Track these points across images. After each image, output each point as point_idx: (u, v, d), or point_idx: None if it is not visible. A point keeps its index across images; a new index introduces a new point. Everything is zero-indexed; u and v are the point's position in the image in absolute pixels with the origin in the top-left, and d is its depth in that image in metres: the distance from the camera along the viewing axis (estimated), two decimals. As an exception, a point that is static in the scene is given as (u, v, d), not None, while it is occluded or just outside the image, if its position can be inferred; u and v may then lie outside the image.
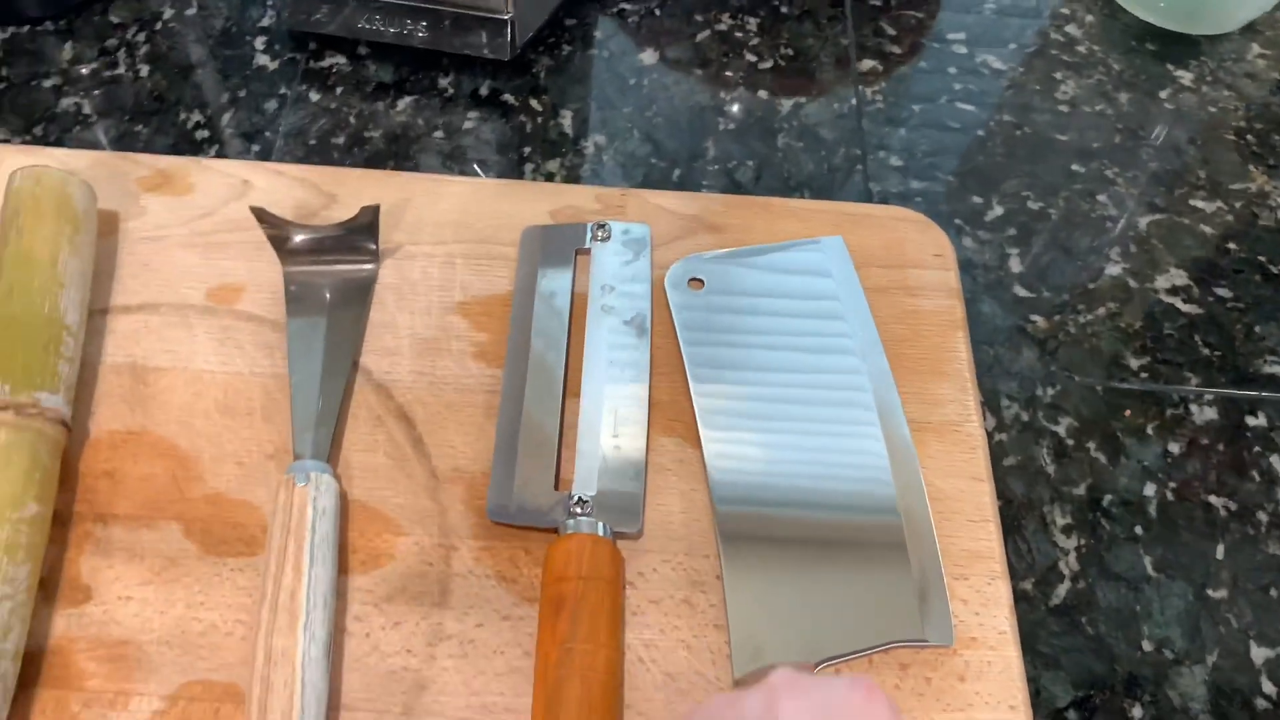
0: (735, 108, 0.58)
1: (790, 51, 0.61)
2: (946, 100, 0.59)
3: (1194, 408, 0.47)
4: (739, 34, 0.62)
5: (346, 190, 0.49)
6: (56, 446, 0.39)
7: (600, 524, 0.38)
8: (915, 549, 0.39)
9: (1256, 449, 0.46)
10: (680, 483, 0.41)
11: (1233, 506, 0.44)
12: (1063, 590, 0.42)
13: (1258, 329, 0.50)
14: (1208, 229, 0.54)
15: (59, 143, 0.55)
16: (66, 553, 0.39)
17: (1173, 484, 0.45)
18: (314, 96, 0.58)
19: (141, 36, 0.60)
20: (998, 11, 0.64)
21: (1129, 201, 0.55)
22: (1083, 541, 0.43)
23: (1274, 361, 0.49)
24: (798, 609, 0.38)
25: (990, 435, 0.46)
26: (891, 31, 0.62)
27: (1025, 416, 0.47)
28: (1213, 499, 0.44)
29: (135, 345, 0.44)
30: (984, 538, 0.40)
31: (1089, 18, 0.64)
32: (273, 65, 0.59)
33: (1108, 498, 0.45)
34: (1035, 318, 0.50)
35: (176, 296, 0.46)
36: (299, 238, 0.46)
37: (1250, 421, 0.47)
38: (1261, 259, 0.53)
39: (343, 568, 0.39)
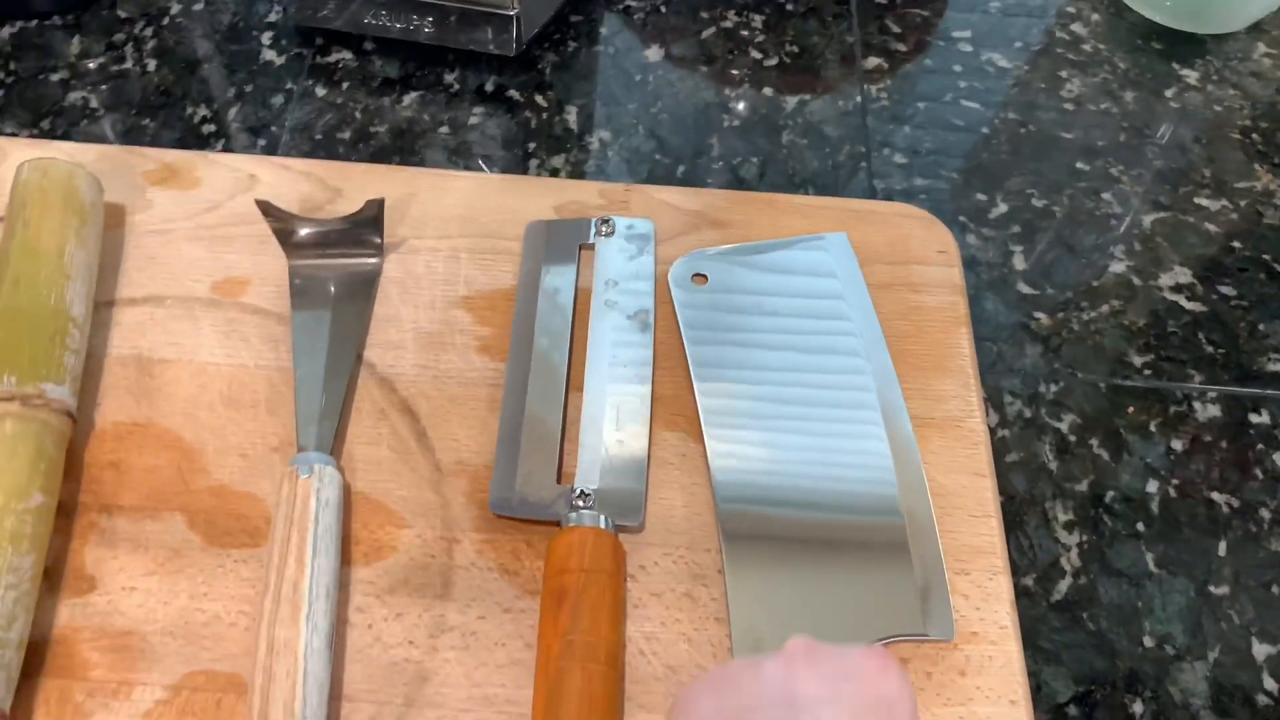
0: (740, 104, 0.58)
1: (795, 49, 0.61)
2: (951, 98, 0.59)
3: (1197, 405, 0.47)
4: (744, 31, 0.62)
5: (352, 185, 0.49)
6: (62, 437, 0.39)
7: (602, 517, 0.38)
8: (917, 544, 0.39)
9: (1260, 446, 0.46)
10: (682, 477, 0.41)
11: (1235, 503, 0.44)
12: (1064, 586, 0.42)
13: (1262, 327, 0.50)
14: (1212, 227, 0.54)
15: (66, 136, 0.55)
16: (71, 543, 0.39)
17: (1175, 481, 0.45)
18: (320, 91, 0.58)
19: (149, 31, 0.60)
20: (1003, 10, 0.64)
21: (1134, 199, 0.55)
22: (1084, 538, 0.43)
23: (1278, 359, 0.49)
24: (799, 603, 0.38)
25: (993, 431, 0.46)
26: (897, 29, 0.62)
27: (1028, 413, 0.47)
28: (1215, 496, 0.44)
29: (141, 337, 0.44)
30: (986, 533, 0.40)
31: (1095, 16, 0.64)
32: (279, 60, 0.59)
33: (1110, 494, 0.45)
34: (1039, 315, 0.50)
35: (182, 289, 0.46)
36: (304, 231, 0.46)
37: (1254, 419, 0.47)
38: (1266, 257, 0.53)
39: (345, 559, 0.39)
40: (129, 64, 0.59)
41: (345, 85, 0.58)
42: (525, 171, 0.55)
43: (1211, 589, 0.42)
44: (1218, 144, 0.58)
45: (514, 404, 0.42)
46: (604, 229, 0.48)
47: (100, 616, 0.38)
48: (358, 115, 0.57)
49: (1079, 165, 0.56)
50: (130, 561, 0.39)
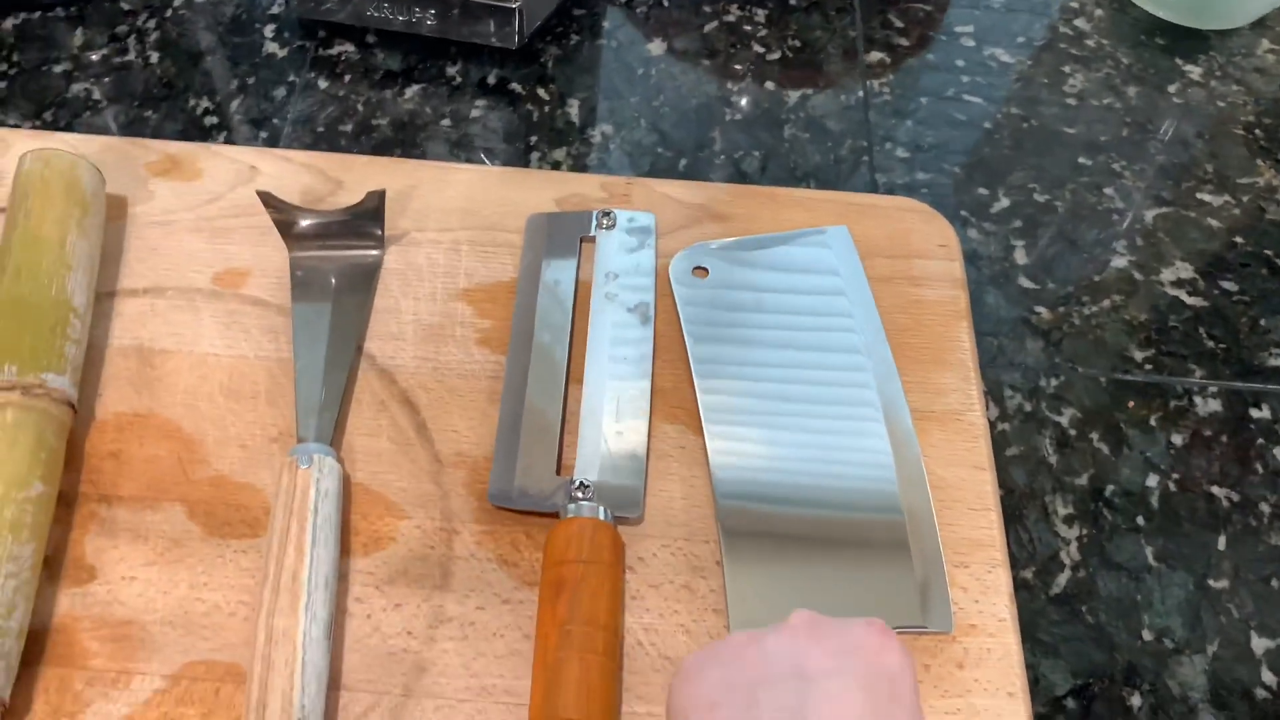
0: (742, 99, 0.58)
1: (798, 43, 0.61)
2: (954, 93, 0.59)
3: (1198, 400, 0.47)
4: (747, 25, 0.62)
5: (353, 177, 0.49)
6: (62, 427, 0.39)
7: (601, 509, 0.38)
8: (916, 538, 0.39)
9: (1260, 441, 0.46)
10: (681, 469, 0.41)
11: (1235, 498, 0.44)
12: (1063, 579, 0.42)
13: (1263, 322, 0.50)
14: (1214, 222, 0.54)
15: (69, 128, 0.55)
16: (71, 533, 0.39)
17: (1175, 475, 0.45)
18: (322, 84, 0.58)
19: (152, 23, 0.60)
20: (1006, 5, 0.64)
21: (1136, 195, 0.55)
22: (1084, 531, 0.43)
23: (1279, 354, 0.49)
24: (797, 595, 0.38)
25: (993, 425, 0.46)
26: (900, 24, 0.62)
27: (1028, 407, 0.47)
28: (1215, 490, 0.44)
29: (142, 328, 0.45)
30: (985, 526, 0.40)
31: (1098, 11, 0.63)
32: (282, 53, 0.59)
33: (1110, 488, 0.44)
34: (1040, 309, 0.50)
35: (183, 280, 0.46)
36: (305, 222, 0.46)
37: (1254, 414, 0.47)
38: (1268, 253, 0.53)
39: (345, 550, 0.39)
40: (131, 56, 0.59)
41: (347, 78, 0.58)
42: (527, 165, 0.55)
43: (1211, 583, 0.42)
44: (1220, 139, 0.58)
45: (514, 396, 0.42)
46: (605, 222, 0.48)
47: (100, 606, 0.38)
48: (360, 108, 0.57)
49: (1081, 160, 0.56)
50: (130, 551, 0.39)
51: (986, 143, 0.57)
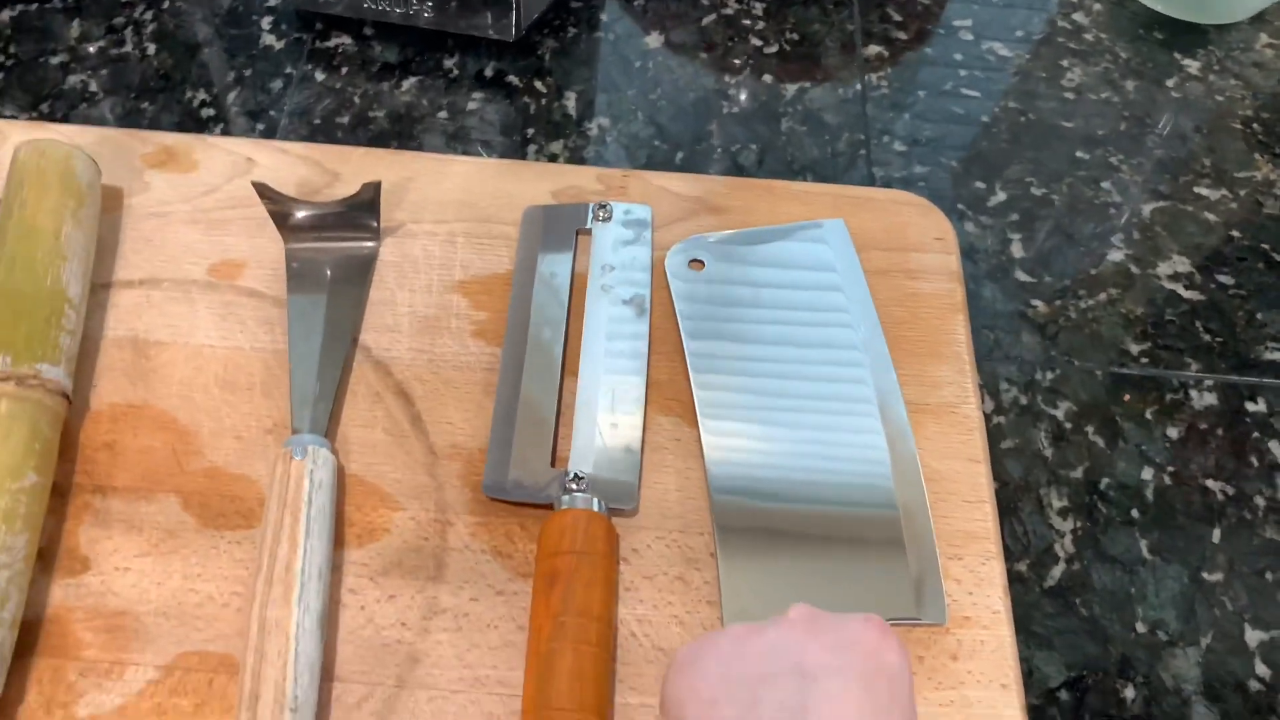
0: (739, 92, 0.58)
1: (796, 36, 0.61)
2: (952, 87, 0.59)
3: (1194, 393, 0.47)
4: (745, 19, 0.62)
5: (350, 169, 0.49)
6: (57, 418, 0.39)
7: (595, 500, 0.38)
8: (910, 531, 0.39)
9: (1256, 435, 0.46)
10: (676, 461, 0.41)
11: (1230, 491, 0.44)
12: (1058, 572, 0.42)
13: (1259, 316, 0.50)
14: (1212, 216, 0.54)
15: (65, 119, 0.55)
16: (65, 523, 0.39)
17: (1171, 469, 0.45)
18: (319, 76, 0.58)
19: (149, 15, 0.60)
20: (1005, 0, 0.64)
21: (1133, 189, 0.55)
22: (1079, 524, 0.43)
23: (1275, 348, 0.49)
24: (791, 587, 0.38)
25: (989, 418, 0.46)
26: (898, 18, 0.62)
27: (1024, 400, 0.47)
28: (1210, 484, 0.44)
29: (137, 319, 0.44)
30: (979, 519, 0.40)
31: (1097, 6, 0.63)
32: (279, 45, 0.59)
33: (1105, 481, 0.44)
34: (1036, 303, 0.50)
35: (179, 272, 0.46)
36: (301, 214, 0.46)
37: (1250, 407, 0.47)
38: (1265, 247, 0.53)
39: (339, 541, 0.39)
40: (128, 48, 0.59)
41: (344, 70, 0.58)
42: (523, 157, 0.55)
43: (1205, 576, 0.42)
44: (1218, 134, 0.58)
45: (509, 388, 0.42)
46: (601, 214, 0.48)
47: (94, 597, 0.38)
48: (356, 100, 0.57)
49: (1079, 154, 0.56)
50: (124, 542, 0.39)
51: (984, 137, 0.57)
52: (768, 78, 0.59)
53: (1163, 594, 0.42)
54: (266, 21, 0.60)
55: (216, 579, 0.38)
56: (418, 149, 0.55)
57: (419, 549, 0.39)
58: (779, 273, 0.46)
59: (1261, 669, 0.40)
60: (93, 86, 0.57)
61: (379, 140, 0.55)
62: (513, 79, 0.58)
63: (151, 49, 0.59)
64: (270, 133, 0.55)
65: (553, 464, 0.41)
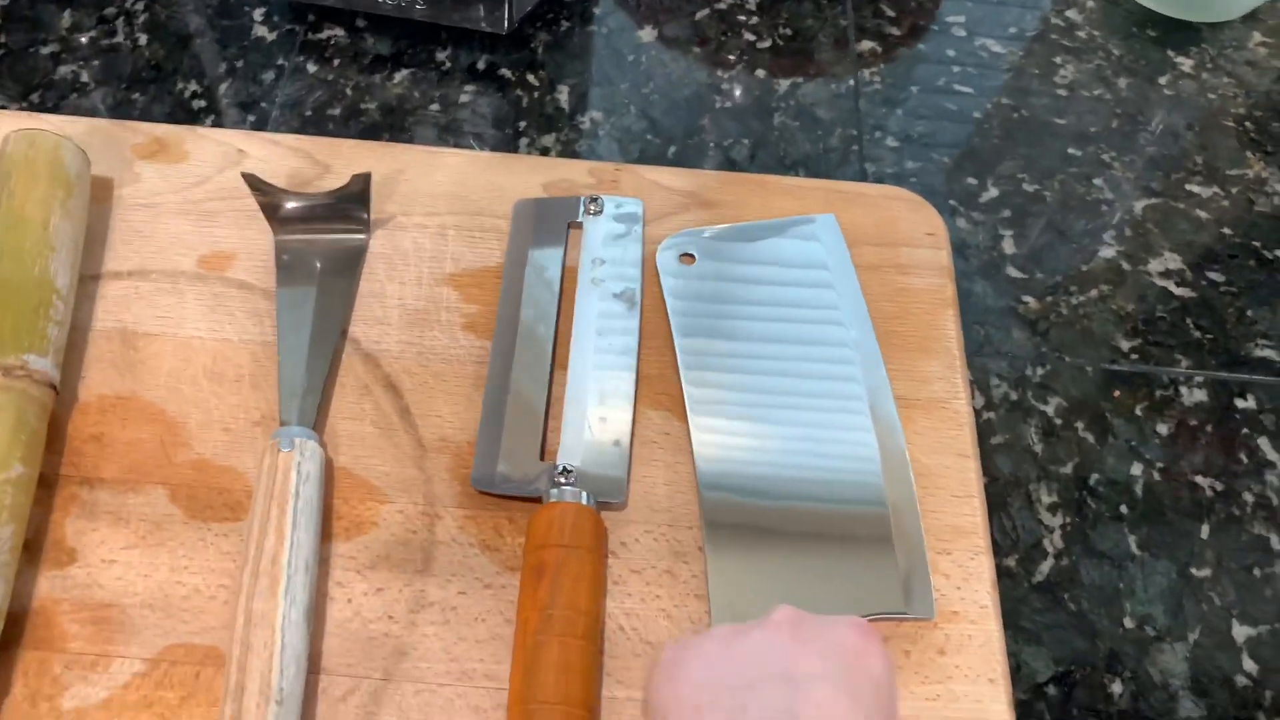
0: (732, 86, 0.58)
1: (789, 31, 0.61)
2: (945, 83, 0.59)
3: (1184, 390, 0.47)
4: (738, 13, 0.62)
5: (341, 161, 0.49)
6: (44, 409, 0.39)
7: (584, 493, 0.38)
8: (899, 526, 0.39)
9: (1245, 431, 0.46)
10: (666, 455, 0.41)
11: (1219, 487, 0.44)
12: (1046, 567, 0.42)
13: (1250, 313, 0.50)
14: (1203, 214, 0.54)
15: (56, 110, 0.55)
16: (52, 515, 0.39)
17: (1160, 465, 0.45)
18: (311, 68, 0.58)
19: (140, 5, 0.60)
20: (999, -6, 0.64)
21: (1125, 186, 0.55)
22: (1068, 520, 0.43)
23: (1265, 345, 0.49)
24: (779, 581, 0.38)
25: (979, 414, 0.46)
26: (891, 13, 0.62)
27: (1014, 396, 0.47)
28: (1199, 480, 0.44)
29: (126, 311, 0.44)
30: (968, 513, 0.40)
31: (1090, 3, 0.63)
32: (271, 36, 0.59)
33: (1094, 477, 0.45)
34: (1027, 299, 0.50)
35: (168, 263, 0.46)
36: (290, 205, 0.45)
37: (1239, 404, 0.47)
38: (1256, 244, 0.53)
39: (327, 534, 0.39)
40: (120, 38, 0.58)
41: (336, 62, 0.58)
42: (515, 151, 0.55)
43: (1193, 571, 0.42)
44: (1211, 131, 0.58)
45: (498, 381, 0.42)
46: (592, 208, 0.48)
47: (80, 589, 0.37)
48: (348, 92, 0.57)
49: (1071, 151, 0.56)
50: (111, 534, 0.39)
51: (976, 133, 0.57)
52: (761, 72, 0.59)
53: (1151, 589, 0.42)
54: (259, 13, 0.60)
55: (204, 571, 0.38)
56: (409, 141, 0.55)
57: (407, 542, 0.39)
58: (770, 268, 0.46)
59: (1249, 664, 0.40)
60: (84, 77, 0.57)
61: (371, 132, 0.55)
62: (505, 72, 0.58)
63: (143, 39, 0.58)
64: (262, 124, 0.55)
65: (541, 457, 0.41)
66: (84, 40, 0.58)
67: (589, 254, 0.46)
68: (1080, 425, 0.46)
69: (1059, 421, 0.46)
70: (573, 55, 0.59)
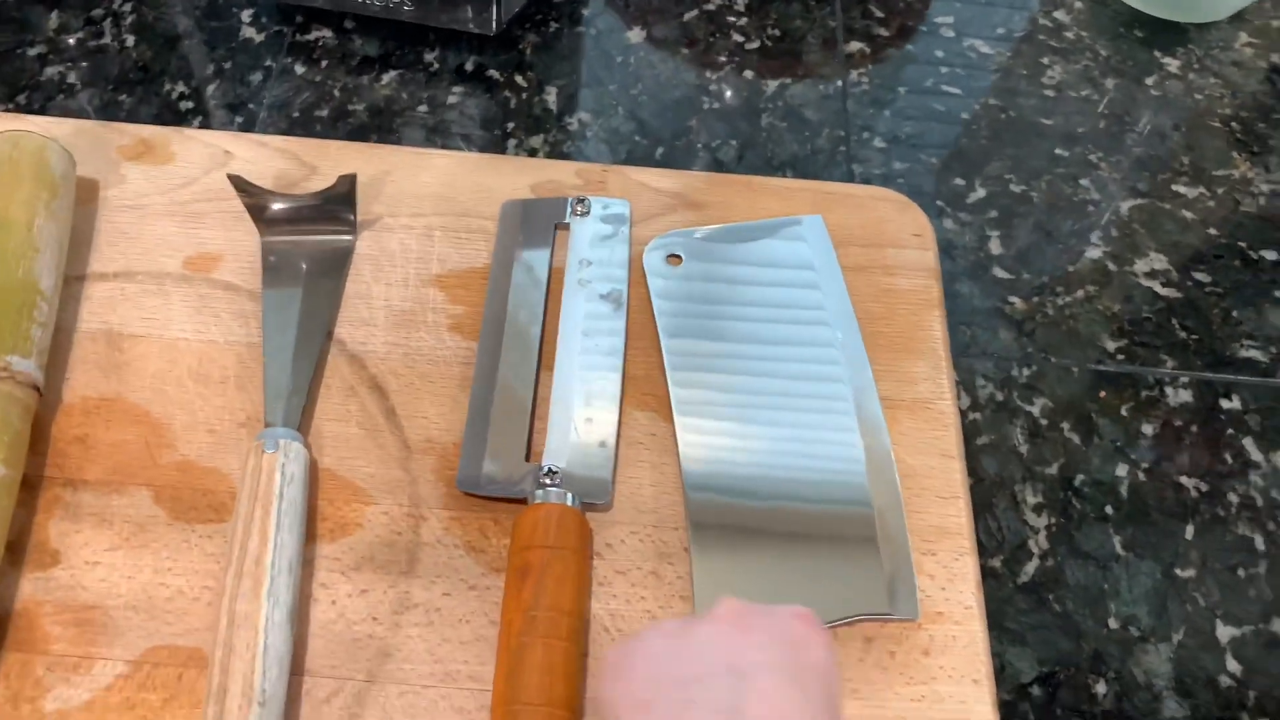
0: (721, 87, 0.58)
1: (777, 32, 0.61)
2: (933, 84, 0.59)
3: (1169, 390, 0.47)
4: (727, 14, 0.62)
5: (328, 162, 0.49)
6: (27, 410, 0.39)
7: (569, 495, 0.38)
8: (884, 528, 0.39)
9: (1230, 432, 0.46)
10: (652, 456, 0.41)
11: (1204, 488, 0.44)
12: (1031, 568, 0.42)
13: (1235, 313, 0.50)
14: (1190, 214, 0.54)
15: (42, 111, 0.55)
16: (35, 517, 0.39)
17: (1145, 465, 0.45)
18: (299, 69, 0.57)
19: (128, 7, 0.60)
20: (987, -4, 0.64)
21: (1112, 186, 0.55)
22: (1053, 520, 0.43)
23: (1250, 345, 0.49)
24: (764, 582, 0.38)
25: (964, 414, 0.46)
26: (880, 14, 0.62)
27: (1000, 396, 0.47)
28: (1184, 480, 0.45)
29: (111, 312, 0.44)
30: (953, 514, 0.40)
31: (1078, 4, 0.64)
32: (259, 38, 0.59)
33: (1079, 478, 0.45)
34: (1013, 299, 0.50)
35: (154, 265, 0.46)
36: (276, 206, 0.45)
37: (1224, 405, 0.47)
38: (1242, 244, 0.53)
39: (311, 535, 0.39)
40: (107, 39, 0.58)
41: (324, 63, 0.58)
42: (503, 152, 0.55)
43: (1178, 572, 0.42)
44: (1197, 132, 0.58)
45: (484, 382, 0.42)
46: (579, 209, 0.48)
47: (63, 591, 0.37)
48: (336, 93, 0.57)
49: (1058, 152, 0.56)
50: (95, 536, 0.39)
51: (964, 134, 0.57)
52: (749, 74, 0.59)
53: (1136, 590, 0.42)
54: (247, 14, 0.60)
55: (187, 573, 0.38)
56: (397, 143, 0.55)
57: (391, 544, 0.39)
58: (756, 269, 0.46)
59: (1233, 665, 0.40)
60: (71, 78, 0.57)
61: (358, 134, 0.55)
62: (493, 73, 0.58)
63: (130, 41, 0.58)
64: (249, 125, 0.55)
65: (527, 459, 0.41)
66: (71, 42, 0.58)
67: (576, 255, 0.46)
68: (1066, 426, 0.46)
69: (1045, 422, 0.46)
70: (561, 56, 0.59)
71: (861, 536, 0.39)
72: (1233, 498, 0.44)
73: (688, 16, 0.61)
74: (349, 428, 0.42)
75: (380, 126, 0.55)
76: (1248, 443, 0.46)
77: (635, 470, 0.41)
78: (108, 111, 0.55)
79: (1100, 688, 0.39)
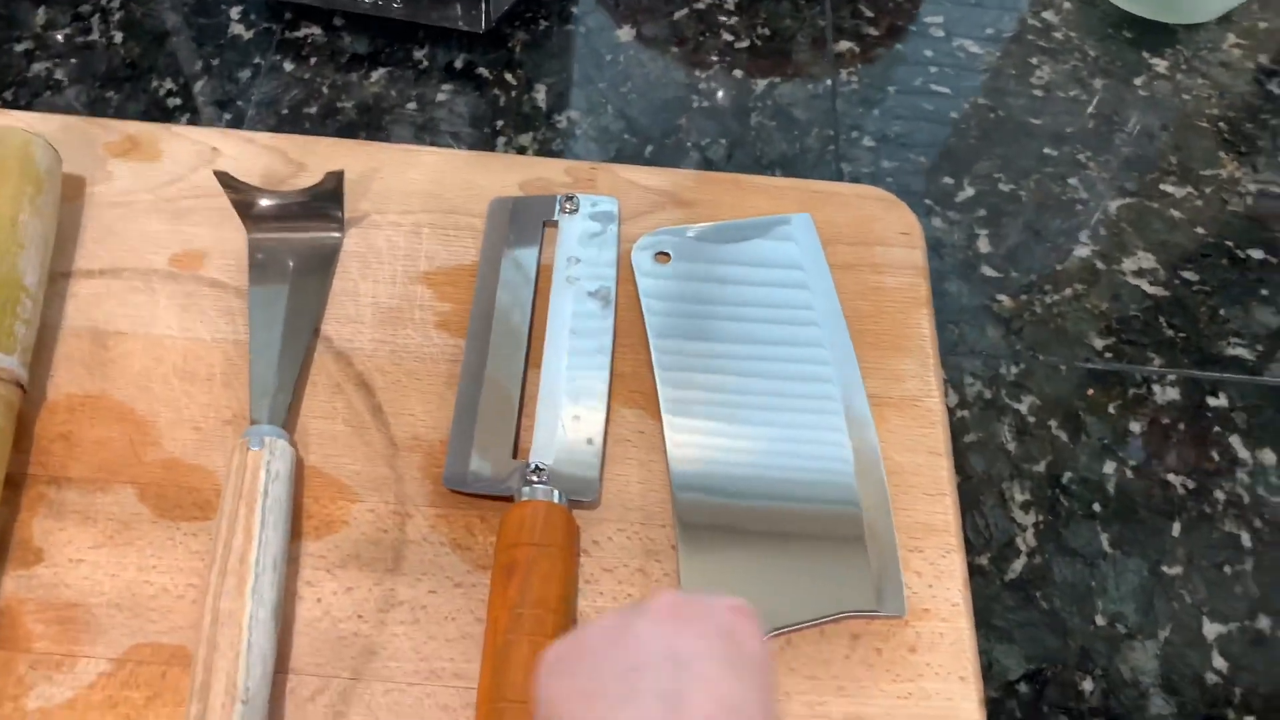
0: (710, 86, 0.58)
1: (767, 31, 0.61)
2: (922, 83, 0.59)
3: (1157, 388, 0.47)
4: (717, 13, 0.62)
5: (316, 159, 0.48)
6: (10, 408, 0.39)
7: (556, 492, 0.38)
8: (871, 526, 0.39)
9: (1217, 429, 0.46)
10: (639, 453, 0.41)
11: (1191, 485, 0.45)
12: (1019, 565, 0.42)
13: (1223, 312, 0.50)
14: (1177, 213, 0.54)
15: (29, 108, 0.55)
16: (19, 515, 0.39)
17: (1132, 463, 0.45)
18: (288, 66, 0.57)
19: (116, 3, 0.59)
20: (976, -4, 0.64)
21: (1100, 186, 0.55)
22: (1041, 518, 0.43)
23: (1237, 344, 0.49)
24: (751, 579, 0.38)
25: (953, 412, 0.46)
26: (869, 14, 0.62)
27: (988, 394, 0.47)
28: (1171, 478, 0.45)
29: (96, 309, 0.44)
30: (940, 511, 0.40)
31: (1067, 4, 0.64)
32: (248, 35, 0.59)
33: (1067, 475, 0.45)
34: (1002, 297, 0.50)
35: (140, 262, 0.45)
36: (264, 203, 0.45)
37: (1211, 402, 0.47)
38: (1229, 243, 0.53)
39: (296, 533, 0.39)
40: (95, 36, 0.58)
41: (313, 61, 0.58)
42: (493, 149, 0.55)
43: (1164, 569, 0.42)
44: (1185, 132, 0.58)
45: (471, 379, 0.42)
46: (568, 206, 0.47)
47: (45, 589, 0.37)
48: (325, 91, 0.56)
49: (1047, 151, 0.57)
50: (78, 534, 0.38)
51: (953, 133, 0.57)
52: (738, 72, 0.59)
53: (1123, 587, 0.42)
54: (235, 11, 0.60)
55: (172, 571, 0.38)
56: (386, 140, 0.54)
57: (377, 541, 0.39)
58: (745, 268, 0.46)
59: (1219, 661, 0.40)
60: (58, 74, 0.56)
61: (347, 131, 0.55)
62: (483, 71, 0.58)
63: (118, 37, 0.58)
64: (237, 122, 0.55)
65: (514, 456, 0.40)
66: (59, 38, 0.58)
67: (564, 253, 0.46)
68: (1054, 423, 0.46)
69: (1033, 420, 0.46)
70: (551, 54, 0.59)
71: (849, 535, 0.39)
72: (1219, 495, 0.44)
73: (677, 15, 0.61)
74: (335, 425, 0.41)
75: (369, 124, 0.55)
76: (1234, 440, 0.46)
77: (623, 467, 0.41)
78: (95, 108, 0.55)
79: (1087, 685, 0.39)
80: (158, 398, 0.42)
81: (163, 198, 0.47)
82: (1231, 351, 0.48)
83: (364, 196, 0.48)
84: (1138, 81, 0.60)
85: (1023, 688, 0.39)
